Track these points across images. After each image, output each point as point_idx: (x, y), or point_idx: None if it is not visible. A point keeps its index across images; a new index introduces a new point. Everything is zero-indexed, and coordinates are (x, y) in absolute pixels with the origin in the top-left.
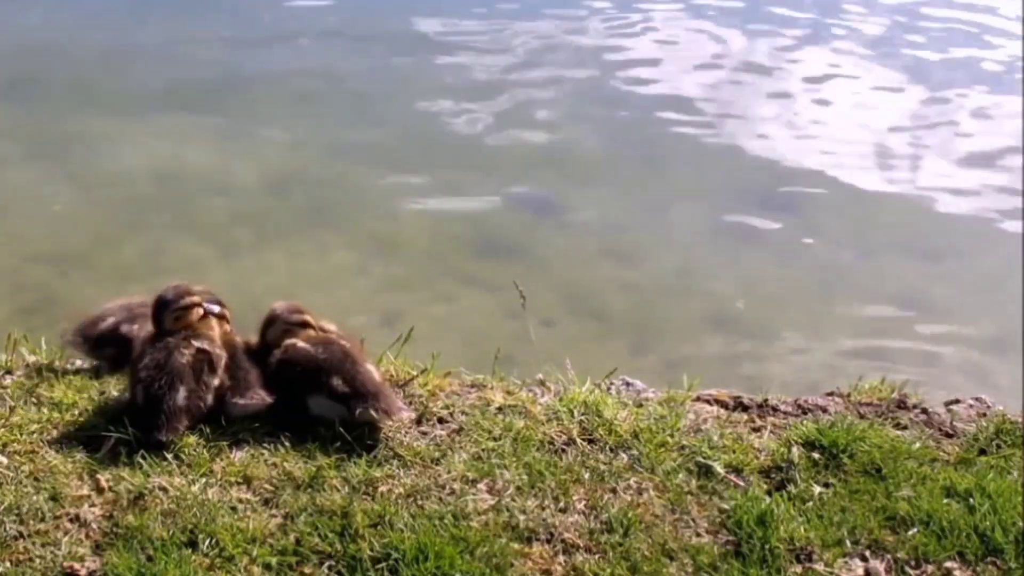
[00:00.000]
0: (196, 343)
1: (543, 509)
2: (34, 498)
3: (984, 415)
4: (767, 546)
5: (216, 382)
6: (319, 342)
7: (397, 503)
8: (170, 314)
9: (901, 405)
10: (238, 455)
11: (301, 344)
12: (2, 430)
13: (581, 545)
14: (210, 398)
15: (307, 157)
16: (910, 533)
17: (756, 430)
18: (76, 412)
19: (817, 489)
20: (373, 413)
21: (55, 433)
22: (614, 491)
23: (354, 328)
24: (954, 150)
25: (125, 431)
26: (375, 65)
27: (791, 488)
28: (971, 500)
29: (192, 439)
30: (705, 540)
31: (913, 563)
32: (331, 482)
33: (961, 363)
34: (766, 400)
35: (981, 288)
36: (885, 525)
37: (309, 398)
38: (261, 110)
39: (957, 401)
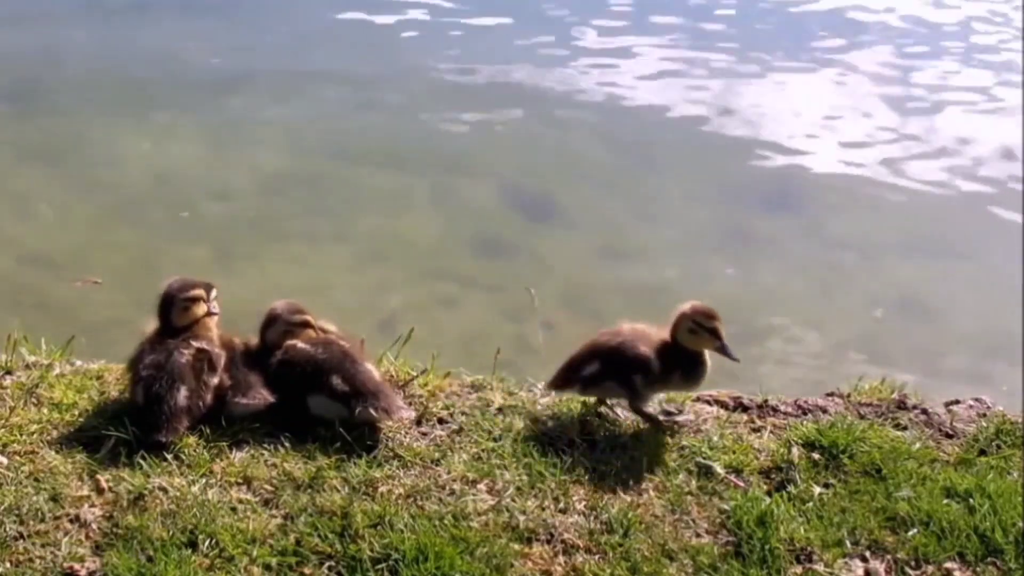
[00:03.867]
0: (196, 343)
1: (543, 510)
2: (34, 499)
3: (984, 415)
4: (767, 547)
5: (216, 381)
6: (318, 342)
7: (397, 503)
8: (179, 305)
9: (901, 405)
10: (238, 455)
11: (301, 344)
12: (2, 430)
13: (581, 546)
14: (210, 398)
15: (305, 158)
16: (910, 534)
17: (756, 430)
18: (76, 412)
19: (817, 489)
20: (373, 412)
21: (55, 433)
22: (614, 492)
23: (354, 329)
24: (954, 147)
25: (125, 431)
26: (374, 64)
27: (791, 489)
28: (971, 501)
29: (192, 439)
30: (705, 541)
31: (913, 564)
32: (331, 482)
33: (961, 363)
34: (766, 400)
35: (981, 288)
36: (885, 525)
37: (309, 398)
38: (259, 111)
39: (957, 401)
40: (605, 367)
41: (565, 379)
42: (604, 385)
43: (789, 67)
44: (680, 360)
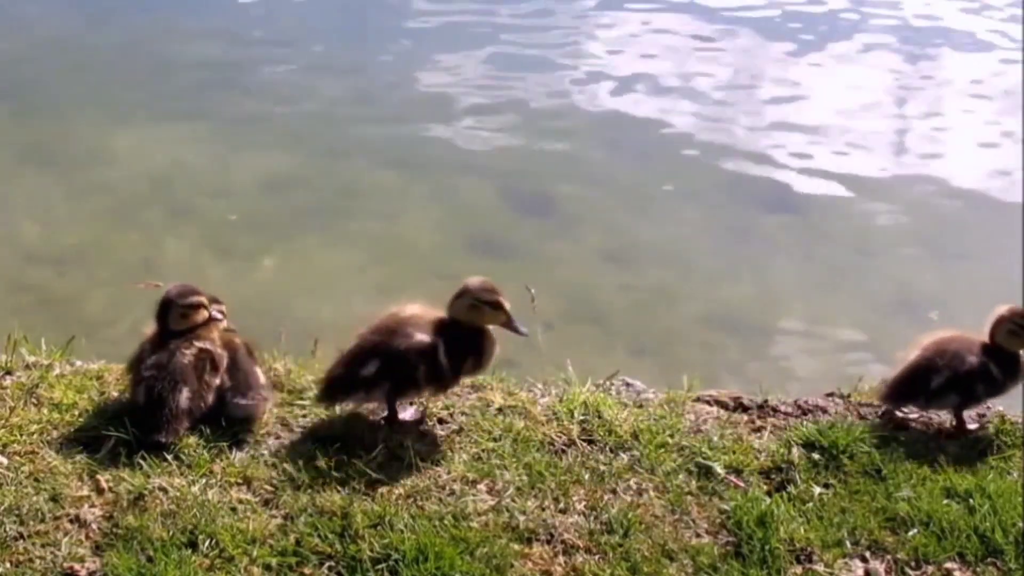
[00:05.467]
0: (197, 343)
1: (543, 510)
2: (34, 499)
3: (984, 415)
4: (767, 547)
5: (217, 382)
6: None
7: (397, 504)
8: (176, 312)
9: None
10: (238, 455)
11: None
12: (2, 430)
13: (581, 546)
14: (211, 398)
15: (306, 158)
16: (910, 534)
17: (756, 431)
18: (76, 412)
19: (817, 490)
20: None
21: (55, 434)
22: (614, 492)
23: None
24: (954, 146)
25: (125, 431)
26: (374, 64)
27: (791, 489)
28: (971, 501)
29: (192, 439)
30: (705, 541)
31: (913, 564)
32: (331, 483)
33: None
34: (766, 401)
35: (981, 288)
36: (885, 526)
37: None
38: (259, 111)
39: None
40: (951, 379)
41: (906, 392)
42: (946, 398)
43: (790, 68)
44: (1006, 363)
